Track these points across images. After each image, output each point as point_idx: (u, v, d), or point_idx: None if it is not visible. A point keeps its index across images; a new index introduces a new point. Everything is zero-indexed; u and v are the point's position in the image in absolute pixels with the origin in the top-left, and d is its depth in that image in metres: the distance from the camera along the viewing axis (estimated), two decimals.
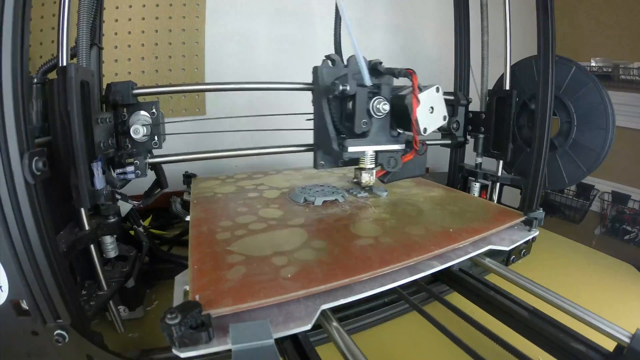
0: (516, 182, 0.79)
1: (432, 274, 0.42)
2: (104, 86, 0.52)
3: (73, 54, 0.45)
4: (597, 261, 0.83)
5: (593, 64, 1.42)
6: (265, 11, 1.02)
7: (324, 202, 0.58)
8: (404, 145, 0.55)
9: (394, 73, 0.51)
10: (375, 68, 0.53)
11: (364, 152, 0.54)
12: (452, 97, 0.83)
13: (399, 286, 0.39)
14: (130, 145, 0.53)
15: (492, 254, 0.50)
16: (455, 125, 0.82)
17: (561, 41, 1.57)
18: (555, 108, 0.79)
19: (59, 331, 0.37)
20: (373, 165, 0.55)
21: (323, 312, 0.34)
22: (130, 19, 0.90)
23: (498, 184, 0.82)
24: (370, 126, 0.51)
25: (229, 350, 0.28)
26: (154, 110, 0.54)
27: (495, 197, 0.83)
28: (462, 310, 0.44)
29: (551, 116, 0.73)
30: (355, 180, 0.57)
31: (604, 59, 1.41)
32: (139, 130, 0.50)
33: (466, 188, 0.88)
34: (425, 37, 1.29)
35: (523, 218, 0.53)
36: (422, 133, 0.49)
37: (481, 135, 0.83)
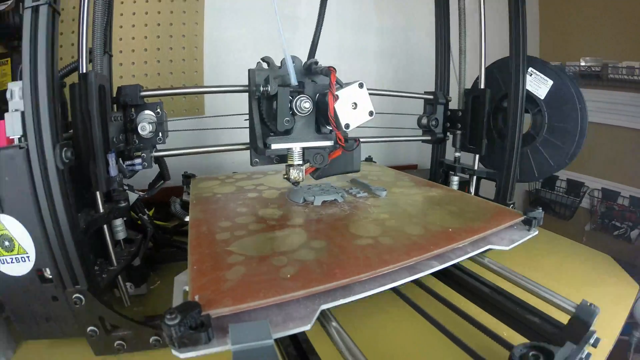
0: (491, 175, 0.85)
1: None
2: (114, 89, 0.58)
3: (89, 60, 0.52)
4: (577, 252, 0.85)
5: (582, 63, 1.44)
6: (260, 17, 1.08)
7: (323, 202, 0.59)
8: (332, 142, 0.55)
9: (321, 72, 0.52)
10: (308, 68, 0.54)
11: (289, 149, 0.54)
12: (431, 97, 0.90)
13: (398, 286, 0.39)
14: (137, 141, 0.59)
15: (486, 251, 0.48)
16: (434, 123, 0.89)
17: (552, 41, 1.61)
18: (528, 106, 0.84)
19: (77, 295, 0.43)
20: (301, 162, 0.55)
21: (322, 312, 0.34)
22: (133, 25, 0.96)
23: (475, 177, 0.88)
24: (293, 124, 0.52)
25: (229, 351, 0.28)
26: (158, 110, 0.60)
27: (472, 190, 0.90)
28: (457, 306, 0.45)
29: (523, 113, 0.79)
30: (285, 176, 0.57)
31: (593, 59, 1.43)
32: (145, 128, 0.57)
33: (447, 182, 0.94)
34: (417, 38, 1.33)
35: (522, 218, 0.53)
36: (344, 129, 0.50)
37: (458, 132, 0.89)
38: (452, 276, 0.51)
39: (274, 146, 0.53)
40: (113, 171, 0.49)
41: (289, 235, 0.47)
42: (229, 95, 0.89)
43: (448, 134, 0.92)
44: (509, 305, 0.43)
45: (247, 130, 0.68)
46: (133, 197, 0.65)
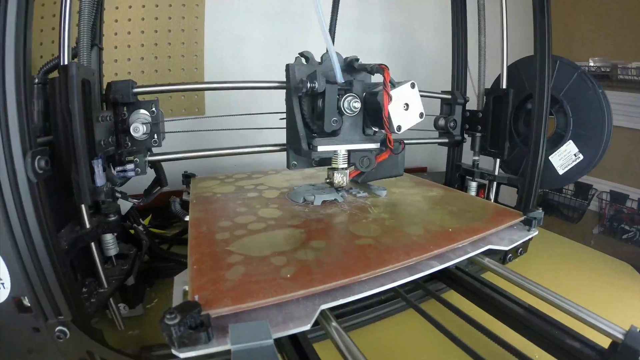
0: (513, 181, 0.80)
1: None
2: (104, 86, 0.52)
3: (74, 54, 0.46)
4: (594, 260, 0.83)
5: (591, 64, 1.43)
6: (263, 12, 1.03)
7: (323, 201, 0.58)
8: (379, 144, 0.53)
9: (368, 69, 0.50)
10: (350, 65, 0.52)
11: (335, 151, 0.52)
12: (449, 96, 0.84)
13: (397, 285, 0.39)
14: (130, 144, 0.54)
15: (489, 252, 0.50)
16: (452, 124, 0.83)
17: (561, 41, 1.59)
18: (553, 109, 0.80)
19: (60, 327, 0.38)
20: (346, 165, 0.53)
21: (322, 312, 0.34)
22: (129, 19, 0.91)
23: (495, 183, 0.83)
24: (340, 124, 0.50)
25: (229, 351, 0.28)
26: (153, 109, 0.54)
27: (492, 196, 0.84)
28: (458, 308, 0.45)
29: (547, 116, 0.74)
30: (327, 180, 0.55)
31: (602, 59, 1.42)
32: (138, 129, 0.51)
33: (464, 187, 0.89)
34: (423, 36, 1.30)
35: (522, 218, 0.53)
36: (396, 131, 0.48)
37: (478, 134, 0.84)
38: (479, 294, 0.48)
39: (320, 148, 0.51)
40: (99, 180, 0.42)
41: (289, 235, 0.46)
42: (231, 94, 0.84)
43: (466, 136, 0.87)
44: (546, 327, 0.41)
45: (251, 131, 0.64)
46: (127, 205, 0.59)
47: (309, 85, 0.47)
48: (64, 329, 0.38)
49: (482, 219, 0.53)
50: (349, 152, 0.52)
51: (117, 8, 0.90)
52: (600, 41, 1.48)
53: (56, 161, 0.37)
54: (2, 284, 0.36)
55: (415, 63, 1.31)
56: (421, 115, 0.49)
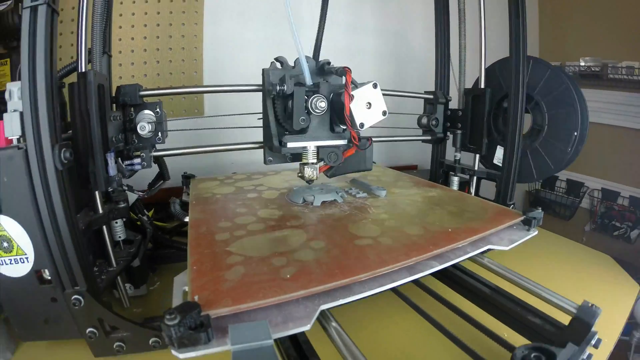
0: (491, 175, 0.85)
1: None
2: (113, 89, 0.58)
3: (88, 60, 0.52)
4: (577, 253, 0.85)
5: (582, 63, 1.44)
6: (258, 17, 1.08)
7: (323, 202, 0.59)
8: (346, 140, 0.56)
9: (334, 72, 0.53)
10: (322, 68, 0.56)
11: (305, 147, 0.55)
12: (431, 96, 0.90)
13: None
14: (136, 140, 0.59)
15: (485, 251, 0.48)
16: (434, 122, 0.88)
17: (552, 41, 1.61)
18: (529, 106, 0.84)
19: (76, 296, 0.43)
20: (315, 160, 0.56)
21: (322, 312, 0.34)
22: (133, 26, 0.96)
23: (475, 178, 0.88)
24: (308, 123, 0.53)
25: (228, 351, 0.28)
26: (157, 110, 0.60)
27: (472, 191, 0.90)
28: (458, 307, 0.46)
29: (523, 114, 0.79)
30: (299, 174, 0.57)
31: (593, 59, 1.43)
32: (144, 127, 0.57)
33: (447, 183, 0.93)
34: (414, 39, 1.34)
35: (522, 218, 0.53)
36: (359, 128, 0.51)
37: (459, 131, 0.89)
38: (452, 276, 0.51)
39: (289, 145, 0.54)
40: (112, 170, 0.48)
41: (288, 236, 0.46)
42: (228, 96, 0.89)
43: (448, 133, 0.92)
44: (510, 305, 0.43)
45: (248, 130, 0.68)
46: (132, 197, 0.65)
47: (278, 88, 0.51)
48: (80, 297, 0.43)
49: (481, 219, 0.53)
50: (318, 148, 0.55)
51: (120, 15, 0.94)
52: (591, 41, 1.49)
53: (75, 155, 0.43)
54: (27, 258, 0.42)
55: (407, 65, 1.34)
56: (384, 113, 0.52)
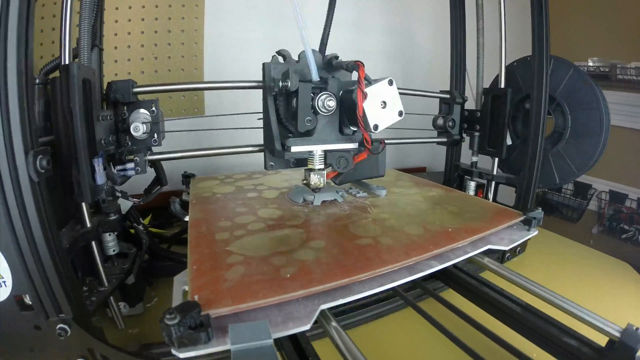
0: (511, 180, 0.80)
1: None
2: (105, 86, 0.53)
3: (75, 55, 0.46)
4: (592, 259, 0.84)
5: (590, 63, 1.43)
6: (261, 11, 1.04)
7: (323, 201, 0.57)
8: (357, 144, 0.51)
9: (344, 66, 0.48)
10: (329, 63, 0.50)
11: (311, 151, 0.50)
12: (447, 96, 0.85)
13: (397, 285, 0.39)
14: (130, 143, 0.54)
15: (488, 252, 0.49)
16: (450, 124, 0.84)
17: (559, 41, 1.58)
18: (551, 108, 0.81)
19: (61, 325, 0.38)
20: (322, 166, 0.51)
21: (322, 312, 0.34)
22: (129, 20, 0.92)
23: (493, 183, 0.83)
24: (315, 124, 0.48)
25: (228, 351, 0.28)
26: (153, 108, 0.55)
27: (490, 196, 0.85)
28: (457, 307, 0.45)
29: (545, 116, 0.74)
30: (304, 182, 0.53)
31: (601, 59, 1.42)
32: (138, 128, 0.51)
33: (462, 187, 0.90)
34: (421, 37, 1.31)
35: (522, 218, 0.53)
36: (373, 130, 0.46)
37: (477, 133, 0.84)
38: (478, 292, 0.49)
39: (294, 148, 0.49)
40: (100, 178, 0.43)
41: (288, 235, 0.46)
42: (230, 94, 0.84)
43: (464, 135, 0.87)
44: (543, 326, 0.41)
45: (250, 131, 0.64)
46: (127, 204, 0.60)
47: (281, 84, 0.46)
48: (65, 326, 0.38)
49: (481, 219, 0.53)
50: (325, 152, 0.50)
51: (117, 9, 0.90)
52: (599, 41, 1.48)
53: (57, 160, 0.37)
54: (4, 282, 0.37)
55: (415, 63, 1.31)
56: (400, 113, 0.47)
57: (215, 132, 0.74)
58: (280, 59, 0.51)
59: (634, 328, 0.36)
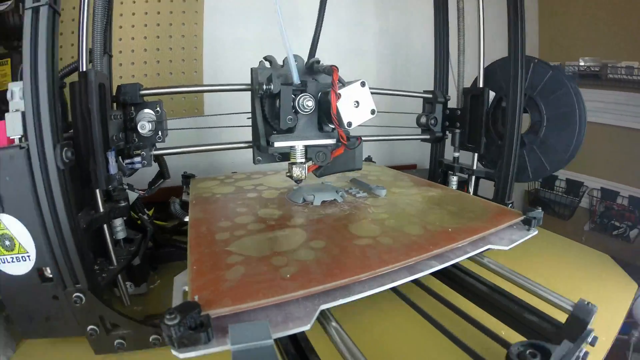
0: (490, 175, 0.85)
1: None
2: (114, 88, 0.59)
3: (89, 60, 0.52)
4: (575, 252, 0.85)
5: (582, 63, 1.44)
6: (258, 16, 1.08)
7: (323, 202, 0.59)
8: (335, 140, 0.56)
9: (322, 70, 0.52)
10: (311, 67, 0.55)
11: (292, 146, 0.54)
12: (430, 95, 0.90)
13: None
14: (137, 139, 0.60)
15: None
16: (433, 121, 0.89)
17: (553, 41, 1.60)
18: (528, 107, 0.84)
19: (77, 294, 0.43)
20: (303, 160, 0.55)
21: (322, 312, 0.34)
22: (133, 26, 0.96)
23: (473, 177, 0.88)
24: (296, 122, 0.52)
25: (228, 351, 0.28)
26: (158, 109, 0.60)
27: (471, 190, 0.90)
28: (457, 307, 0.46)
29: (521, 114, 0.79)
30: (287, 174, 0.57)
31: (592, 59, 1.43)
32: (145, 126, 0.57)
33: (446, 182, 0.94)
34: (416, 39, 1.34)
35: (522, 217, 0.53)
36: (347, 127, 0.50)
37: (457, 130, 0.89)
38: (451, 276, 0.51)
39: (277, 144, 0.53)
40: (113, 169, 0.49)
41: (288, 235, 0.46)
42: (228, 95, 0.89)
43: (447, 132, 0.93)
44: (507, 304, 0.44)
45: (247, 129, 0.69)
46: (133, 196, 0.66)
47: (264, 87, 0.51)
48: (81, 294, 0.43)
49: (481, 219, 0.52)
50: (306, 147, 0.55)
51: (121, 15, 0.94)
52: (591, 41, 1.48)
53: (75, 154, 0.43)
54: (28, 256, 0.42)
55: (409, 64, 1.34)
56: (372, 111, 0.52)
57: (214, 130, 0.80)
58: (267, 64, 0.56)
59: (586, 302, 0.38)
